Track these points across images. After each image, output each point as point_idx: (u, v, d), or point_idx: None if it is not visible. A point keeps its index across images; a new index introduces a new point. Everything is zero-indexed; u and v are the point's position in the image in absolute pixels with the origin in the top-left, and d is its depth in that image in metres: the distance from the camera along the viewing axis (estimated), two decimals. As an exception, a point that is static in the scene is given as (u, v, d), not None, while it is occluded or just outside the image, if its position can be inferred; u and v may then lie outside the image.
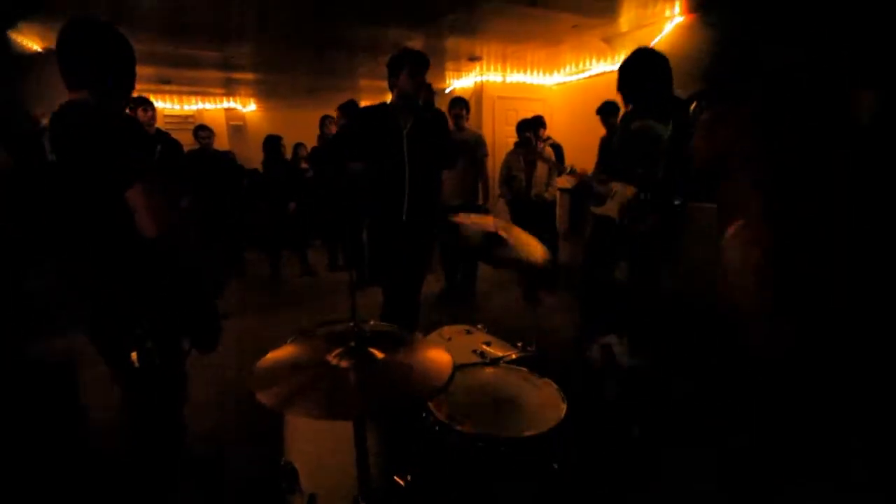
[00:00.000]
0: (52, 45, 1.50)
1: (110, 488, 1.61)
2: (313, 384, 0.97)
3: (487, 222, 1.95)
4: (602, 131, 4.90)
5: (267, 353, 1.15)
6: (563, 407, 1.35)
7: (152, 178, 1.31)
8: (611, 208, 2.41)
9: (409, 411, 1.30)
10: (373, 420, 1.14)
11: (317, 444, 1.39)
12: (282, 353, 1.16)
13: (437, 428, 1.30)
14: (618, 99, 2.55)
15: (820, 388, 0.79)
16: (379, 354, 1.06)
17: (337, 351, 1.06)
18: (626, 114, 2.62)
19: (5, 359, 1.40)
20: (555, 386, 1.46)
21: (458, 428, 1.28)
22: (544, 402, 1.39)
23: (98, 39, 1.40)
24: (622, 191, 2.41)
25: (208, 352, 1.58)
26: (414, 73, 2.46)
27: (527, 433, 1.26)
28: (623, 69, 2.38)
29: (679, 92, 2.39)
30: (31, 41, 4.30)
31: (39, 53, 4.42)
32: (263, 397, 0.91)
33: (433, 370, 1.05)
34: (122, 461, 1.63)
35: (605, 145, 4.87)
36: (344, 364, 1.02)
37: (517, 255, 1.76)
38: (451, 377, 1.02)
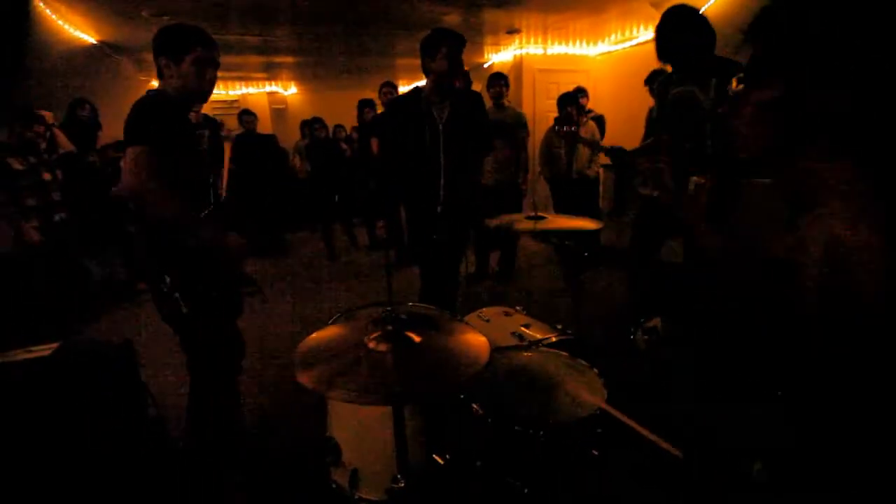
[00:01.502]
0: (106, 38, 1.74)
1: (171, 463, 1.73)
2: (352, 367, 0.99)
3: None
4: (650, 102, 4.63)
5: (309, 329, 1.19)
6: (604, 393, 1.32)
7: (145, 149, 1.48)
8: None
9: (446, 396, 1.31)
10: (410, 404, 1.16)
11: (359, 421, 1.43)
12: (322, 334, 1.19)
13: (474, 411, 1.31)
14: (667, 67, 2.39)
15: None
16: (416, 338, 1.07)
17: (375, 334, 1.07)
18: (664, 79, 2.46)
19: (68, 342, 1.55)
20: (595, 371, 1.42)
21: (496, 413, 1.28)
22: (584, 388, 1.36)
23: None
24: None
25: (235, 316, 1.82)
26: (451, 54, 2.34)
27: (565, 419, 1.24)
28: (658, 30, 2.22)
29: (729, 53, 2.20)
30: (86, 33, 4.53)
31: (95, 45, 4.66)
32: (304, 378, 0.93)
33: (470, 354, 1.04)
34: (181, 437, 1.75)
35: (650, 118, 4.62)
36: (382, 348, 1.04)
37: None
38: (489, 362, 1.01)
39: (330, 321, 1.67)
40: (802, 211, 0.85)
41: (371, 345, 1.04)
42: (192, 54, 1.61)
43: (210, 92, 1.74)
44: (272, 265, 5.23)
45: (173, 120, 1.62)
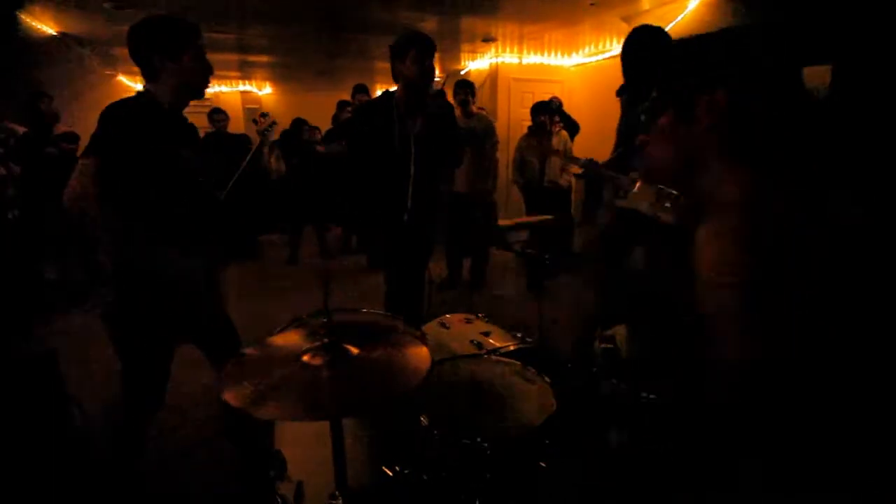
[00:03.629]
0: (67, 29, 1.59)
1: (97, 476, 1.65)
2: (285, 383, 0.95)
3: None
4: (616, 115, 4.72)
5: (266, 337, 1.15)
6: (553, 404, 1.31)
7: (96, 162, 1.36)
8: (637, 201, 2.31)
9: (380, 410, 1.27)
10: (343, 418, 1.12)
11: (304, 434, 1.38)
12: (268, 344, 1.15)
13: (423, 425, 1.28)
14: None
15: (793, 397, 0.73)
16: (354, 350, 1.04)
17: (312, 346, 1.03)
18: (628, 97, 2.49)
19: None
20: (547, 381, 1.41)
21: (443, 425, 1.25)
22: (534, 399, 1.35)
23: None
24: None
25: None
26: (420, 58, 2.27)
27: (513, 432, 1.23)
28: (622, 51, 2.26)
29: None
30: (44, 24, 4.35)
31: (54, 37, 4.47)
32: (229, 396, 0.89)
33: (409, 367, 1.01)
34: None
35: (620, 130, 4.70)
36: (317, 361, 1.00)
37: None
38: (428, 375, 0.99)
39: (277, 330, 1.63)
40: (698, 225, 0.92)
41: (305, 358, 1.01)
42: (193, 48, 1.49)
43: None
44: (240, 269, 5.10)
45: (156, 128, 1.46)
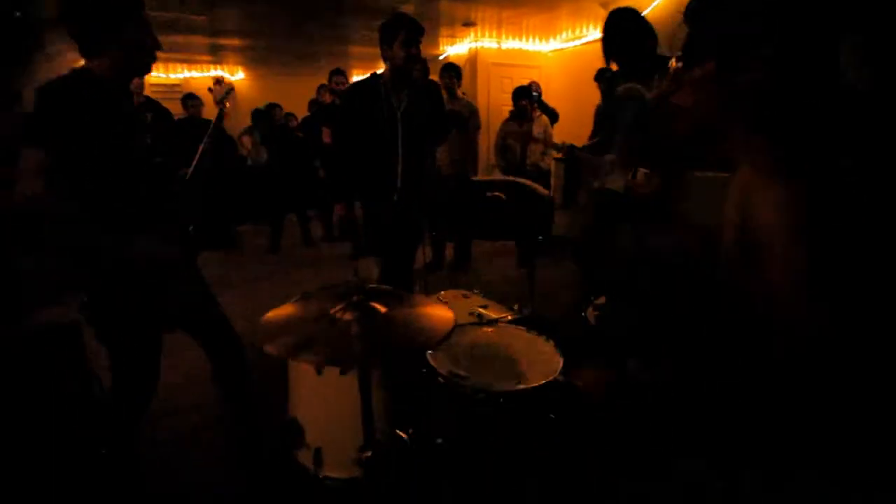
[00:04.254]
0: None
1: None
2: (318, 335, 1.00)
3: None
4: (599, 98, 4.85)
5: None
6: (560, 361, 1.39)
7: (43, 153, 1.24)
8: (614, 182, 2.41)
9: (411, 361, 1.33)
10: (376, 368, 1.17)
11: (321, 399, 1.42)
12: (285, 310, 1.19)
13: (438, 382, 1.34)
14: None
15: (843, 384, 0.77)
16: (382, 308, 1.09)
17: (340, 305, 1.08)
18: (611, 76, 2.58)
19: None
20: (551, 342, 1.50)
21: (459, 382, 1.32)
22: (541, 357, 1.43)
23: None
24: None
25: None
26: (408, 42, 2.31)
27: (525, 385, 1.31)
28: (604, 30, 2.34)
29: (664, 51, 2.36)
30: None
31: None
32: (271, 347, 0.93)
33: (435, 323, 1.07)
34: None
35: (598, 114, 4.84)
36: (347, 317, 1.05)
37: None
38: (453, 329, 1.05)
39: (292, 300, 1.65)
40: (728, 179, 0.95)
41: (337, 314, 1.05)
42: (135, 18, 1.37)
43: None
44: (221, 259, 5.02)
45: (98, 107, 1.34)
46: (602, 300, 2.16)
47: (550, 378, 1.32)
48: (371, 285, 1.10)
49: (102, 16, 1.33)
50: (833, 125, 0.94)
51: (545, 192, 1.97)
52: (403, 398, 1.48)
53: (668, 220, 2.40)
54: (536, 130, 4.81)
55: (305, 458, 1.46)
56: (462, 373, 1.35)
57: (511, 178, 4.31)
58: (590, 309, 1.92)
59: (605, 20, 2.33)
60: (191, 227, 1.68)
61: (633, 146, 2.36)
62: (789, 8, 0.93)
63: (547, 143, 4.63)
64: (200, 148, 1.87)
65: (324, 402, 1.45)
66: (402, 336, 1.03)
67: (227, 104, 2.13)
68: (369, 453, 1.15)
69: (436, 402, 1.41)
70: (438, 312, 1.13)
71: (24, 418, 1.32)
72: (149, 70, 1.52)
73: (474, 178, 3.86)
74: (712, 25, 0.96)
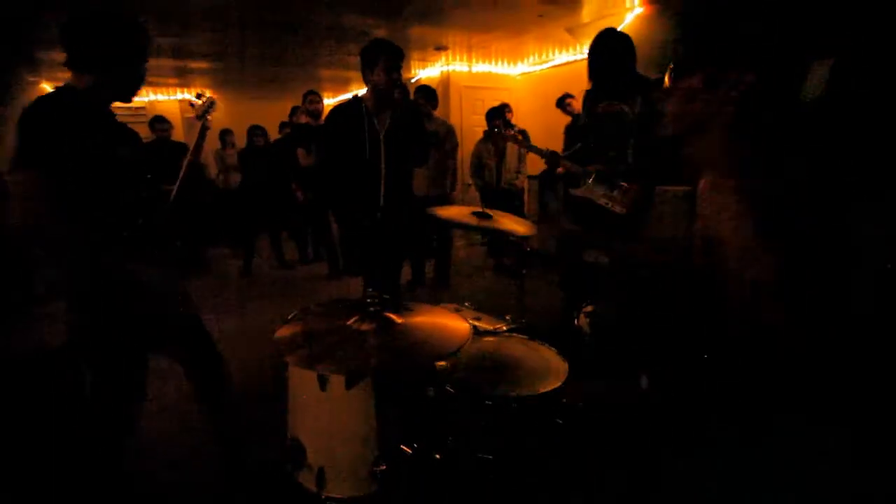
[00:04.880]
0: None
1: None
2: (336, 346, 0.99)
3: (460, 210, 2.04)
4: (565, 120, 5.07)
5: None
6: (565, 366, 1.42)
7: (37, 174, 1.22)
8: (592, 191, 2.51)
9: (429, 369, 1.32)
10: (395, 378, 1.16)
11: (324, 416, 1.39)
12: (291, 328, 1.17)
13: (447, 391, 1.34)
14: (580, 89, 2.63)
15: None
16: (398, 319, 1.09)
17: (356, 316, 1.07)
18: (588, 96, 2.71)
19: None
20: (554, 350, 1.53)
21: (469, 390, 1.32)
22: (546, 364, 1.45)
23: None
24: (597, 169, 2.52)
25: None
26: (389, 67, 2.38)
27: (532, 392, 1.32)
28: (592, 51, 2.46)
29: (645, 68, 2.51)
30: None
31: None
32: (292, 359, 0.92)
33: (451, 331, 1.08)
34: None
35: (569, 131, 5.05)
36: (364, 327, 1.05)
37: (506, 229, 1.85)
38: (469, 338, 1.06)
39: (290, 316, 1.62)
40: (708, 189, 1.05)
41: (354, 325, 1.05)
42: (140, 51, 1.41)
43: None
44: (191, 284, 4.83)
45: (84, 124, 1.32)
46: (590, 308, 2.23)
47: (560, 383, 1.34)
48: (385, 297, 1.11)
49: (113, 39, 1.35)
50: (792, 132, 1.09)
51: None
52: (406, 412, 1.47)
53: (637, 232, 2.52)
54: (510, 149, 4.95)
55: (307, 479, 1.41)
56: (470, 381, 1.35)
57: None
58: (581, 316, 1.97)
59: (592, 40, 2.46)
60: (178, 244, 1.64)
61: (612, 161, 2.47)
62: (770, 33, 1.08)
63: (527, 145, 4.77)
64: (185, 162, 1.84)
65: (326, 420, 1.42)
66: (422, 345, 1.03)
67: (209, 118, 2.11)
68: (384, 466, 1.13)
69: (443, 414, 1.40)
70: (452, 321, 1.14)
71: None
72: (128, 99, 1.49)
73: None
74: (702, 43, 1.08)
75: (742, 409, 0.96)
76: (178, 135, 6.97)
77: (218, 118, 8.26)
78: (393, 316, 1.09)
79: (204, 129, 2.05)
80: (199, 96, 2.21)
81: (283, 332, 1.12)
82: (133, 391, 1.56)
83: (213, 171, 6.54)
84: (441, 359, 1.02)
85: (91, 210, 1.31)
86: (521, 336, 1.64)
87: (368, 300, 1.08)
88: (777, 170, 0.98)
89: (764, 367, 0.93)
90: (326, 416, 1.41)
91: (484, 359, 1.50)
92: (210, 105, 2.17)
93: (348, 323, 1.05)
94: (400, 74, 2.47)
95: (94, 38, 1.34)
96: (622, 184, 2.48)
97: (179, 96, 7.92)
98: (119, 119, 1.53)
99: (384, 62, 2.37)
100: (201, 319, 1.79)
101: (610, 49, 2.36)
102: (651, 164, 2.32)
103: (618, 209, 2.48)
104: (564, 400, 1.37)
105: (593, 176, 2.57)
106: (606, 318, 1.98)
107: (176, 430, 2.27)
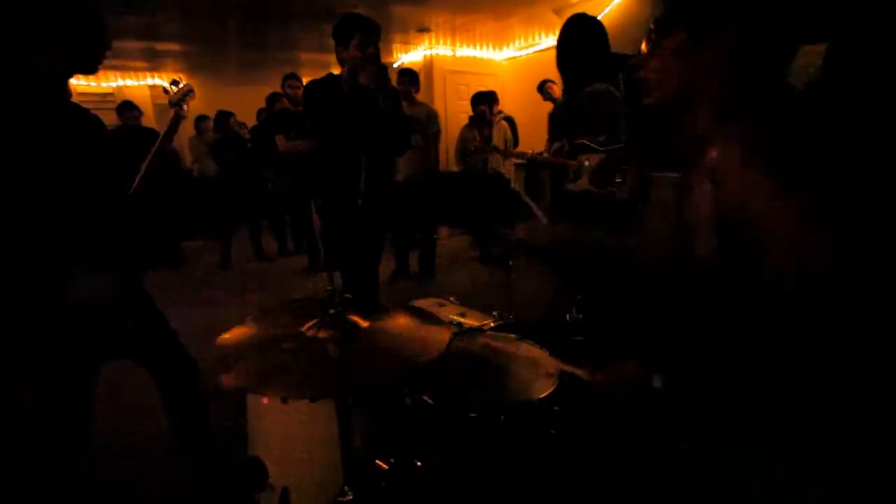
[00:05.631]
0: None
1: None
2: (287, 360, 0.82)
3: None
4: (550, 106, 4.91)
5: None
6: (557, 367, 1.27)
7: None
8: (589, 183, 2.36)
9: (401, 384, 1.17)
10: (362, 396, 1.00)
11: (287, 431, 1.23)
12: (242, 331, 1.00)
13: (426, 403, 1.18)
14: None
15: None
16: (362, 322, 0.92)
17: (313, 322, 0.91)
18: (572, 80, 2.57)
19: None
20: (545, 350, 1.38)
21: (450, 401, 1.17)
22: (537, 367, 1.30)
23: None
24: (593, 162, 2.37)
25: None
26: (364, 43, 2.19)
27: (523, 400, 1.17)
28: (563, 38, 2.32)
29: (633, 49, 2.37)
30: None
31: None
32: (229, 379, 0.74)
33: (425, 336, 0.92)
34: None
35: (554, 118, 4.89)
36: (322, 335, 0.88)
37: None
38: (449, 343, 0.90)
39: (249, 318, 1.45)
40: (690, 166, 0.91)
41: (310, 332, 0.88)
42: (80, 17, 1.22)
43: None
44: (165, 277, 4.60)
45: (24, 106, 1.17)
46: (582, 300, 2.09)
47: (551, 388, 1.19)
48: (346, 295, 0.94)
49: (48, 10, 1.16)
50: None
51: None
52: (381, 423, 1.32)
53: (635, 222, 2.39)
54: (496, 136, 4.78)
55: (269, 501, 1.26)
56: (453, 389, 1.20)
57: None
58: (573, 311, 1.83)
59: (561, 28, 2.31)
60: (138, 243, 1.46)
61: (601, 144, 2.33)
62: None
63: (507, 153, 4.63)
64: (153, 150, 1.65)
65: (290, 435, 1.26)
66: (390, 354, 0.87)
67: (185, 107, 1.95)
68: (350, 496, 0.97)
69: (421, 425, 1.25)
70: (426, 324, 0.98)
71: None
72: (93, 70, 1.31)
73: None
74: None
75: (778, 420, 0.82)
76: (150, 122, 6.64)
77: (192, 106, 7.93)
78: (357, 319, 0.92)
79: (178, 118, 1.89)
80: (174, 83, 2.05)
81: (229, 337, 0.95)
82: (78, 404, 1.39)
83: (187, 159, 6.26)
84: (412, 373, 0.86)
85: (24, 214, 1.14)
86: (508, 335, 1.49)
87: (329, 300, 0.91)
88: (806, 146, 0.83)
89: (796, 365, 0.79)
90: (288, 430, 1.25)
91: (468, 361, 1.34)
92: (187, 93, 2.01)
93: (303, 329, 0.88)
94: (377, 49, 2.27)
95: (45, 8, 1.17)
96: (621, 168, 2.33)
97: (150, 81, 7.54)
98: (85, 106, 1.37)
99: (359, 37, 2.19)
100: (167, 324, 1.61)
101: (584, 34, 2.23)
102: (643, 146, 2.17)
103: (620, 196, 2.33)
104: (557, 407, 1.22)
105: (587, 165, 2.42)
106: (601, 313, 1.85)
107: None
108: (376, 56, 2.27)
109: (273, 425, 1.28)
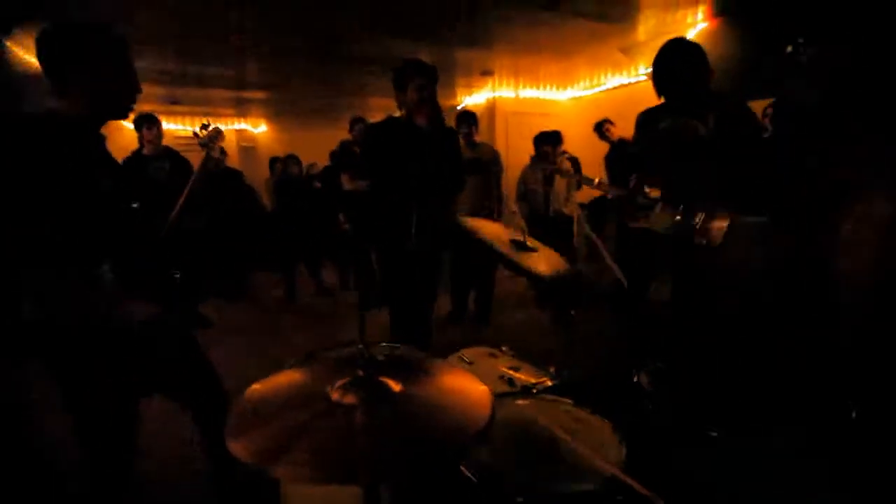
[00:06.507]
0: None
1: None
2: (308, 429, 0.73)
3: (500, 231, 1.78)
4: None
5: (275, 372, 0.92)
6: (621, 451, 1.08)
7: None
8: (656, 221, 2.15)
9: (436, 468, 1.04)
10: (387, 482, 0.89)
11: (316, 496, 1.13)
12: (275, 382, 0.93)
13: (465, 478, 1.04)
14: (635, 112, 2.33)
15: None
16: (395, 386, 0.82)
17: (341, 382, 0.81)
18: (646, 113, 2.41)
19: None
20: (608, 424, 1.19)
21: (491, 479, 1.02)
22: (597, 444, 1.12)
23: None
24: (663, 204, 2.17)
25: None
26: (421, 86, 2.24)
27: (580, 487, 1.00)
28: (656, 62, 2.16)
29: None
30: (30, 52, 4.23)
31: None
32: (238, 448, 0.66)
33: (467, 406, 0.80)
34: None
35: (611, 159, 4.69)
36: (349, 399, 0.78)
37: (525, 264, 1.56)
38: (492, 417, 0.77)
39: (288, 364, 1.39)
40: (841, 208, 0.80)
41: (335, 396, 0.79)
42: (109, 60, 1.27)
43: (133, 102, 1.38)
44: (230, 309, 4.82)
45: (58, 150, 1.20)
46: (654, 364, 1.86)
47: (612, 474, 1.01)
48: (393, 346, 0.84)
49: (71, 54, 1.22)
50: None
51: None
52: (418, 494, 1.18)
53: (714, 268, 2.13)
54: (559, 176, 4.64)
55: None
56: (497, 466, 1.05)
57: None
58: (643, 374, 1.61)
59: (659, 50, 2.17)
60: (176, 276, 1.48)
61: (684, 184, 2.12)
62: None
63: (580, 178, 4.47)
64: (184, 192, 1.77)
65: (321, 497, 1.16)
66: (425, 429, 0.75)
67: (219, 146, 2.09)
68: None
69: (461, 499, 1.10)
70: (470, 387, 0.86)
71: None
72: (125, 115, 1.38)
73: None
74: None
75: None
76: (235, 162, 7.23)
77: (269, 146, 8.65)
78: (389, 381, 0.82)
79: (209, 159, 2.01)
80: (204, 127, 2.23)
81: (257, 390, 0.88)
82: (122, 443, 1.39)
83: (264, 198, 6.67)
84: (453, 451, 0.73)
85: (58, 239, 1.16)
86: (565, 401, 1.31)
87: (357, 358, 0.82)
88: None
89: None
90: (322, 493, 1.15)
91: (516, 430, 1.19)
92: (215, 135, 2.14)
93: (328, 392, 0.79)
94: (432, 92, 2.30)
95: (54, 58, 1.23)
96: (700, 212, 2.09)
97: (237, 126, 8.27)
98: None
99: (416, 81, 2.24)
100: (203, 358, 1.61)
101: (682, 58, 2.05)
102: (730, 190, 1.94)
103: (699, 240, 2.09)
104: (620, 498, 1.03)
105: (659, 205, 2.22)
106: (674, 377, 1.62)
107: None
108: (432, 97, 2.29)
109: (306, 489, 1.19)
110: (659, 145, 2.29)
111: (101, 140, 1.37)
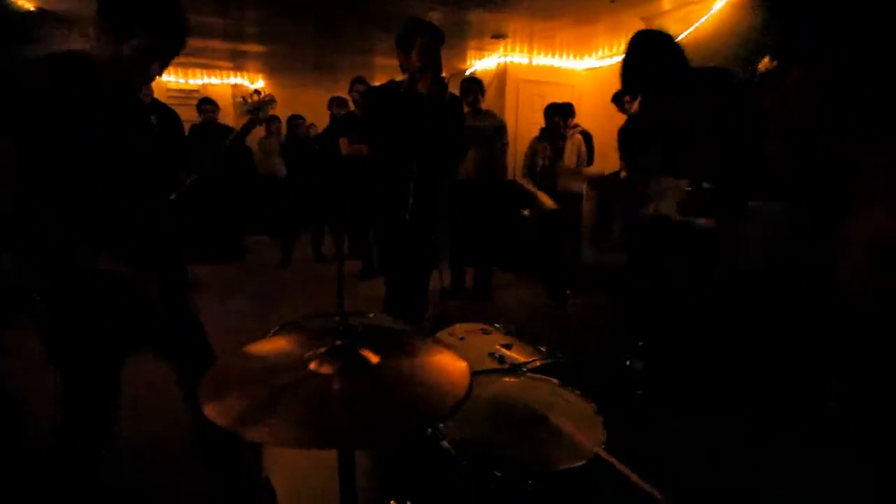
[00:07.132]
0: (46, 5, 1.33)
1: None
2: (283, 396, 0.71)
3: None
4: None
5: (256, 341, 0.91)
6: (603, 433, 1.08)
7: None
8: (668, 206, 2.10)
9: (408, 437, 1.03)
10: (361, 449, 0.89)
11: (297, 463, 1.14)
12: (256, 348, 0.91)
13: (445, 451, 1.04)
14: None
15: None
16: (373, 358, 0.80)
17: (319, 351, 0.79)
18: (644, 100, 2.34)
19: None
20: (592, 405, 1.18)
21: (472, 455, 1.01)
22: (579, 424, 1.11)
23: None
24: (677, 185, 2.11)
25: None
26: (424, 50, 2.12)
27: (560, 465, 0.99)
28: (625, 62, 2.09)
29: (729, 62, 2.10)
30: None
31: (31, 13, 4.17)
32: (212, 411, 0.65)
33: (444, 381, 0.78)
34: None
35: (624, 133, 4.53)
36: (326, 370, 0.76)
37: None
38: (468, 393, 0.75)
39: (272, 332, 1.38)
40: (838, 216, 0.79)
41: (312, 365, 0.77)
42: (174, 17, 1.30)
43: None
44: (224, 271, 4.82)
45: (86, 94, 1.18)
46: (645, 345, 1.84)
47: (592, 456, 1.00)
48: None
49: (148, 19, 1.24)
50: None
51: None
52: (400, 461, 1.19)
53: (726, 253, 2.09)
54: (569, 150, 4.53)
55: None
56: (477, 441, 1.04)
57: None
58: (636, 359, 1.60)
59: (624, 54, 2.10)
60: (177, 236, 1.47)
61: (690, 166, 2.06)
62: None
63: (579, 170, 4.37)
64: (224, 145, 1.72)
65: (300, 466, 1.17)
66: (400, 401, 0.73)
67: (261, 115, 2.06)
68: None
69: (441, 474, 1.10)
70: (449, 364, 0.84)
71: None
72: (147, 80, 1.36)
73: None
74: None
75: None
76: (229, 118, 7.08)
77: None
78: (368, 353, 0.80)
79: (251, 124, 2.01)
80: (256, 93, 2.17)
81: (233, 360, 0.86)
82: (107, 394, 1.40)
83: (257, 156, 6.55)
84: (427, 425, 0.72)
85: (73, 188, 1.16)
86: (551, 380, 1.30)
87: (336, 328, 0.80)
88: None
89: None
90: (298, 461, 1.16)
91: (502, 406, 1.18)
92: (265, 103, 2.12)
93: (306, 361, 0.77)
94: (437, 57, 2.18)
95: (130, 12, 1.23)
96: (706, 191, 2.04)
97: (232, 80, 8.02)
98: (170, 101, 1.44)
99: (420, 44, 2.11)
100: (195, 318, 1.60)
101: (653, 49, 2.02)
102: (740, 172, 1.88)
103: (705, 223, 2.05)
104: (600, 475, 1.02)
105: (669, 189, 2.16)
106: (668, 362, 1.61)
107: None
108: (436, 63, 2.18)
109: (287, 452, 1.20)
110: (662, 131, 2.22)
111: (133, 91, 1.38)
